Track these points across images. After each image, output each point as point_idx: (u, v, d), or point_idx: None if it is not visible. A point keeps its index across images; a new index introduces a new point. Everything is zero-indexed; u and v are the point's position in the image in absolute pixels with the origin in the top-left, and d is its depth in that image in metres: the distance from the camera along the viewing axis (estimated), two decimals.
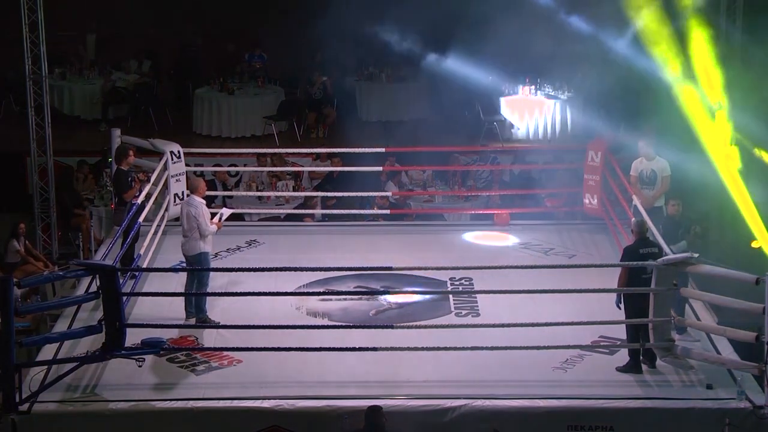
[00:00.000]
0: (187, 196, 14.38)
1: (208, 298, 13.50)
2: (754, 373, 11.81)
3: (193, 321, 13.41)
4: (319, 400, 11.70)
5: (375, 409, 11.27)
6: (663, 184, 14.80)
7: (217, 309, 13.62)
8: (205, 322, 13.35)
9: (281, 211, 17.76)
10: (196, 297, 13.37)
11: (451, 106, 20.76)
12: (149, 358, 12.12)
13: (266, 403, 11.69)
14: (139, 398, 11.81)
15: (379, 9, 19.14)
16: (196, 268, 13.51)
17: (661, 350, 12.29)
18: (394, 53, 21.38)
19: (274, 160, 19.02)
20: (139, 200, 14.65)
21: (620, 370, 12.38)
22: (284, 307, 13.66)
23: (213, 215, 13.92)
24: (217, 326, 13.27)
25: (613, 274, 12.93)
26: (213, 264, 14.36)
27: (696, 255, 12.34)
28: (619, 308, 12.51)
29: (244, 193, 18.03)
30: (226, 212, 14.22)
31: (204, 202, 13.70)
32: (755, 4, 17.42)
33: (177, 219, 16.31)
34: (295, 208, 17.85)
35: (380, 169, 17.45)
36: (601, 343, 12.85)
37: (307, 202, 17.86)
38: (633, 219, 13.47)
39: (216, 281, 13.97)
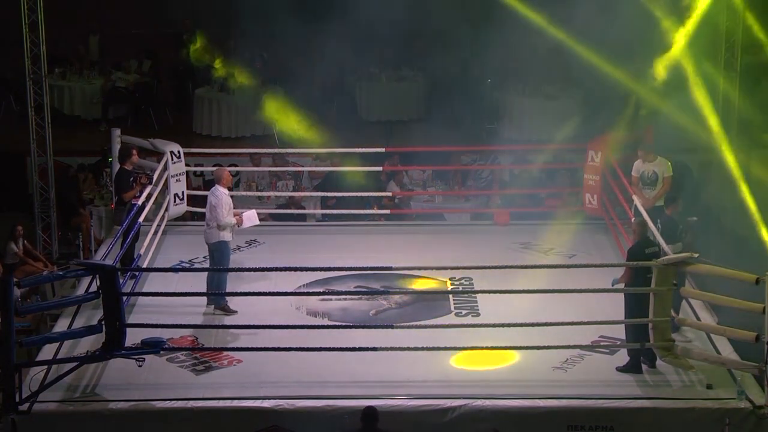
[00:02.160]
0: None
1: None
2: (754, 373, 11.82)
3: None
4: (319, 400, 11.71)
5: (370, 410, 11.26)
6: (664, 185, 14.80)
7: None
8: (224, 310, 13.52)
9: (281, 211, 17.76)
10: (216, 286, 13.51)
11: (451, 106, 20.77)
12: (149, 358, 12.11)
13: (266, 403, 11.70)
14: (139, 398, 11.81)
15: None
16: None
17: (661, 350, 12.29)
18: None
19: (276, 159, 19.02)
20: (140, 201, 14.65)
21: (620, 370, 12.38)
22: (284, 307, 13.66)
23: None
24: (217, 326, 13.30)
25: (612, 274, 12.96)
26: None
27: (696, 255, 12.35)
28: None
29: (244, 193, 18.02)
30: (252, 218, 14.25)
31: (227, 192, 13.83)
32: None
33: (177, 219, 16.42)
34: (279, 208, 17.89)
35: (380, 169, 17.45)
36: (601, 343, 12.85)
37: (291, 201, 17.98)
38: (633, 219, 13.46)
39: None
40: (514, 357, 12.56)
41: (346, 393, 11.84)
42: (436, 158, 18.57)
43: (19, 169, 19.37)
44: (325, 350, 12.23)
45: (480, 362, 12.54)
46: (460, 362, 12.56)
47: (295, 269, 13.72)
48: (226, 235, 13.79)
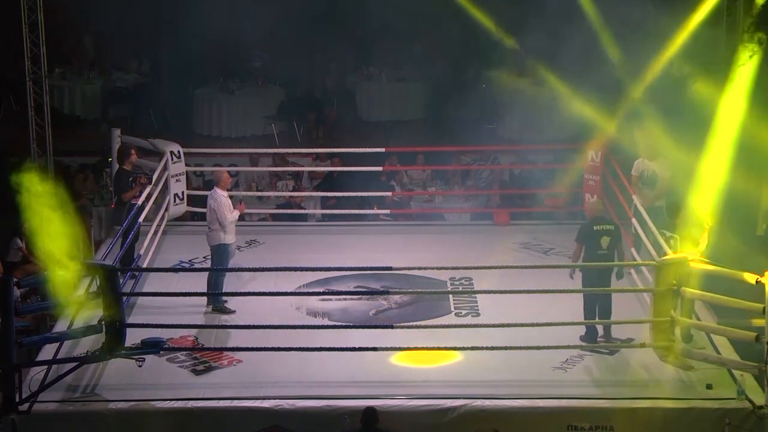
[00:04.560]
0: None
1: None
2: (754, 373, 11.81)
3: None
4: (319, 400, 11.71)
5: (370, 411, 11.27)
6: (663, 185, 14.79)
7: None
8: (222, 311, 13.55)
9: (281, 211, 17.77)
10: (213, 286, 13.54)
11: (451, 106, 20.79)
12: (149, 358, 12.12)
13: (266, 403, 11.70)
14: (139, 398, 11.81)
15: None
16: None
17: (661, 350, 12.29)
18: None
19: (276, 159, 19.03)
20: (140, 201, 14.65)
21: (582, 338, 12.75)
22: (284, 307, 13.67)
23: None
24: (217, 326, 13.31)
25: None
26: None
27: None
28: (572, 278, 12.95)
29: (244, 193, 18.03)
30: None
31: (225, 194, 13.85)
32: None
33: (177, 219, 16.44)
34: (277, 208, 17.92)
35: (380, 169, 17.45)
36: (601, 343, 12.85)
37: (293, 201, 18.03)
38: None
39: None
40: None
41: (346, 393, 11.83)
42: (436, 158, 18.58)
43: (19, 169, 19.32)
44: (325, 350, 12.23)
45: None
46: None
47: (295, 269, 13.75)
48: (227, 238, 13.81)
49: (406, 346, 12.39)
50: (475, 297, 14.09)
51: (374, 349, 12.28)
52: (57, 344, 12.58)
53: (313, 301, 13.97)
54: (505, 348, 12.37)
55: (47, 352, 12.48)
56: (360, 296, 14.10)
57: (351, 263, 14.72)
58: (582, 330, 12.92)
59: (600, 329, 12.89)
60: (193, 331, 13.21)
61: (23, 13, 17.15)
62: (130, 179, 14.90)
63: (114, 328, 11.90)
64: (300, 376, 12.17)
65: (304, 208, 18.01)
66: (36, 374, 12.02)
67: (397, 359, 12.50)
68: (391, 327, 12.72)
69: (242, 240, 15.93)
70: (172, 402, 11.76)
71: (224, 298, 13.64)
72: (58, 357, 12.35)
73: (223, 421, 11.68)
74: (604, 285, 12.83)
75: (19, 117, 20.29)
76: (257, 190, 18.42)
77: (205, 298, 13.67)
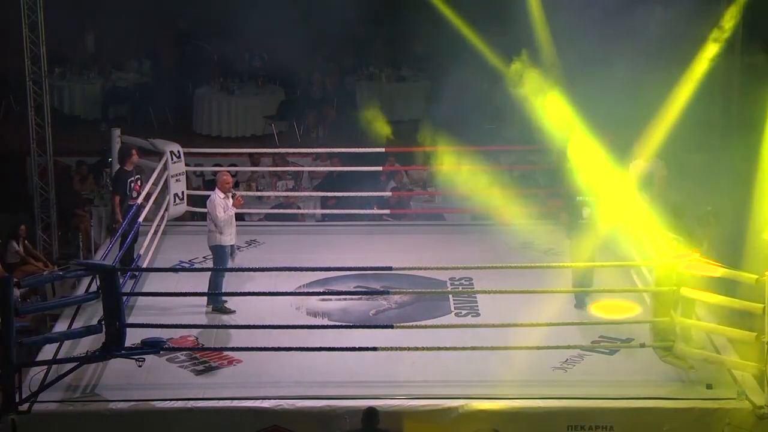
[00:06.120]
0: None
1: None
2: (754, 373, 11.81)
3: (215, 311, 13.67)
4: (319, 400, 11.71)
5: (370, 411, 11.28)
6: (660, 184, 14.80)
7: None
8: (222, 311, 13.56)
9: (278, 211, 17.76)
10: (213, 287, 13.56)
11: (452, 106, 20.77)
12: (149, 358, 12.10)
13: (266, 403, 11.70)
14: (139, 398, 11.80)
15: None
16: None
17: (661, 350, 12.30)
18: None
19: (276, 159, 19.03)
20: (139, 200, 14.65)
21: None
22: (284, 307, 13.67)
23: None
24: (217, 326, 13.31)
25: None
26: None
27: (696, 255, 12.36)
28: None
29: (244, 193, 18.00)
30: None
31: (222, 195, 13.82)
32: None
33: (177, 219, 16.44)
34: (274, 208, 17.91)
35: (380, 169, 17.45)
36: (601, 343, 12.86)
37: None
38: None
39: None
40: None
41: (346, 393, 11.83)
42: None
43: (19, 169, 19.36)
44: (325, 350, 12.23)
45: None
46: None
47: (295, 269, 13.75)
48: (224, 239, 13.82)
49: (406, 346, 12.38)
50: (475, 297, 14.09)
51: (374, 349, 12.28)
52: (57, 344, 12.57)
53: (313, 301, 13.97)
54: (505, 348, 12.38)
55: (47, 352, 12.47)
56: (360, 296, 14.10)
57: (351, 263, 14.72)
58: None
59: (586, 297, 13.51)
60: (194, 331, 13.20)
61: (23, 13, 17.15)
62: (129, 180, 14.86)
63: (114, 328, 11.89)
64: (300, 376, 12.17)
65: (301, 208, 18.02)
66: (36, 374, 12.01)
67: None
68: (391, 327, 12.72)
69: (242, 240, 15.93)
70: (172, 402, 11.75)
71: (224, 298, 13.65)
72: (58, 357, 12.34)
73: (223, 421, 11.68)
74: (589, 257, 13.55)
75: (19, 117, 20.32)
76: (257, 190, 18.42)
77: (205, 298, 13.68)
